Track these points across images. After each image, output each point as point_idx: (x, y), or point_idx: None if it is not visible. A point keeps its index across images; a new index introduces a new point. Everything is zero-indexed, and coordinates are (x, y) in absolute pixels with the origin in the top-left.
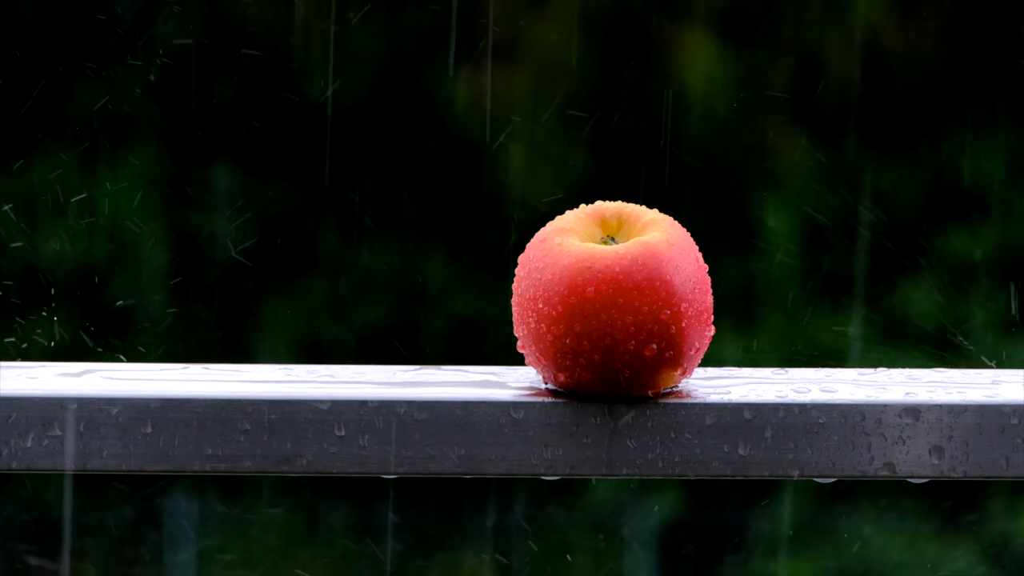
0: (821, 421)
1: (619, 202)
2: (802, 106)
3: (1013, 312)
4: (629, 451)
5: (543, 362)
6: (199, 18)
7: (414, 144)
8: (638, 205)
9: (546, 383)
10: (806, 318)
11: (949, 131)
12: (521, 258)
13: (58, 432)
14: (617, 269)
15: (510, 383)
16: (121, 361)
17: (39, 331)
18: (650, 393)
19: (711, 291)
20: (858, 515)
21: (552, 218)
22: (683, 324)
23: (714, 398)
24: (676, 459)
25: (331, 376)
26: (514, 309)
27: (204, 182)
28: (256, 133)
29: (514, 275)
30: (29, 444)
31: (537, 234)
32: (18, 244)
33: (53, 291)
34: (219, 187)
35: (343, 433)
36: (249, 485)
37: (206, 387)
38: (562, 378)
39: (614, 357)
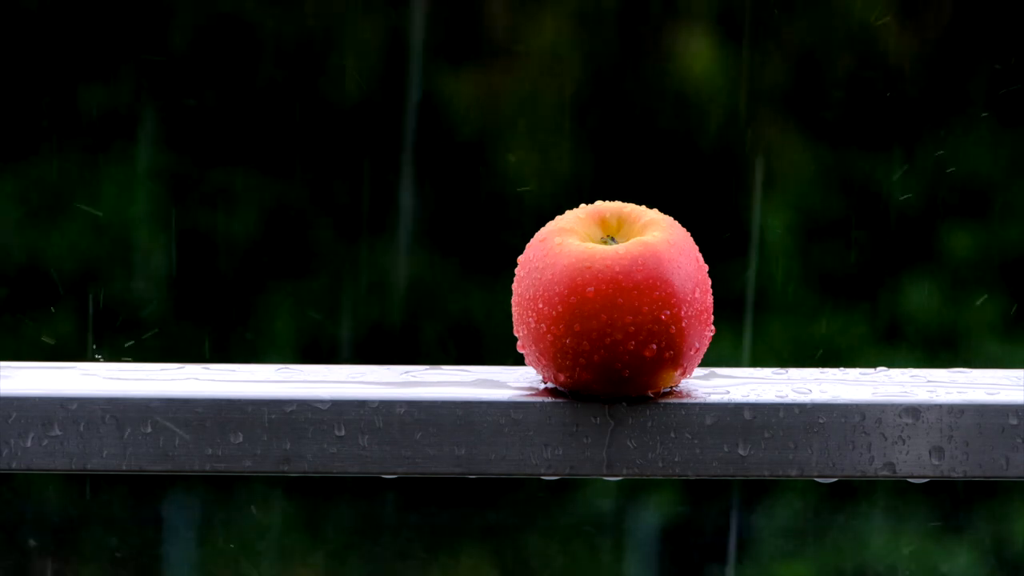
0: (821, 421)
1: (619, 202)
2: (801, 106)
3: (1013, 312)
4: (629, 451)
5: (543, 362)
6: (201, 17)
7: (414, 143)
8: (638, 205)
9: (546, 383)
10: (805, 318)
11: (949, 130)
12: (521, 258)
13: (58, 432)
14: (617, 269)
15: (510, 383)
16: (121, 361)
17: (40, 331)
18: (650, 393)
19: (711, 291)
20: (858, 515)
21: (552, 218)
22: (683, 324)
23: (714, 398)
24: (676, 459)
25: (331, 376)
26: (514, 309)
27: (204, 181)
28: (256, 132)
29: (514, 275)
30: (29, 444)
31: (537, 234)
32: (19, 243)
33: (54, 291)
34: (219, 186)
35: (343, 433)
36: (249, 485)
37: (206, 387)
38: (562, 378)
39: (614, 357)
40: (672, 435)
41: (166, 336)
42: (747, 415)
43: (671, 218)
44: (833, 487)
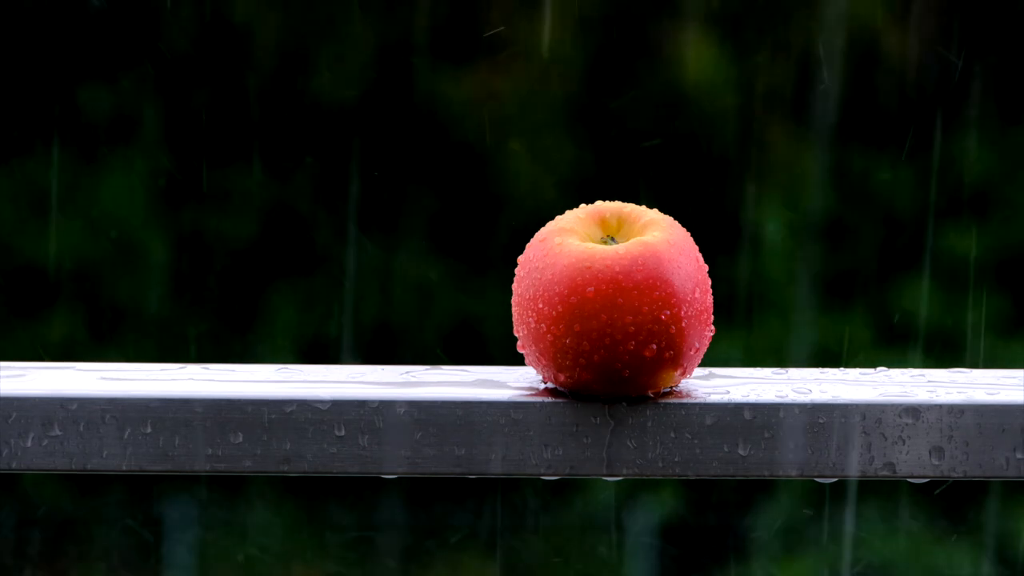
0: (821, 421)
1: (619, 202)
2: (801, 106)
3: (1013, 312)
4: (629, 451)
5: (543, 362)
6: (200, 18)
7: (414, 143)
8: (638, 205)
9: (546, 383)
10: (805, 318)
11: (948, 131)
12: (521, 258)
13: (58, 432)
14: (617, 269)
15: (510, 383)
16: (121, 361)
17: (40, 331)
18: (650, 393)
19: (711, 291)
20: (858, 515)
21: (552, 218)
22: (683, 324)
23: (714, 398)
24: (676, 459)
25: (331, 376)
26: (514, 309)
27: (204, 181)
28: (256, 132)
29: (514, 275)
30: (29, 444)
31: (537, 234)
32: (19, 243)
33: (54, 291)
34: (219, 186)
35: (343, 433)
36: (249, 485)
37: (206, 387)
38: (562, 378)
39: (614, 357)
40: (672, 435)
41: (166, 336)
42: (747, 415)
43: (671, 218)
44: (833, 487)
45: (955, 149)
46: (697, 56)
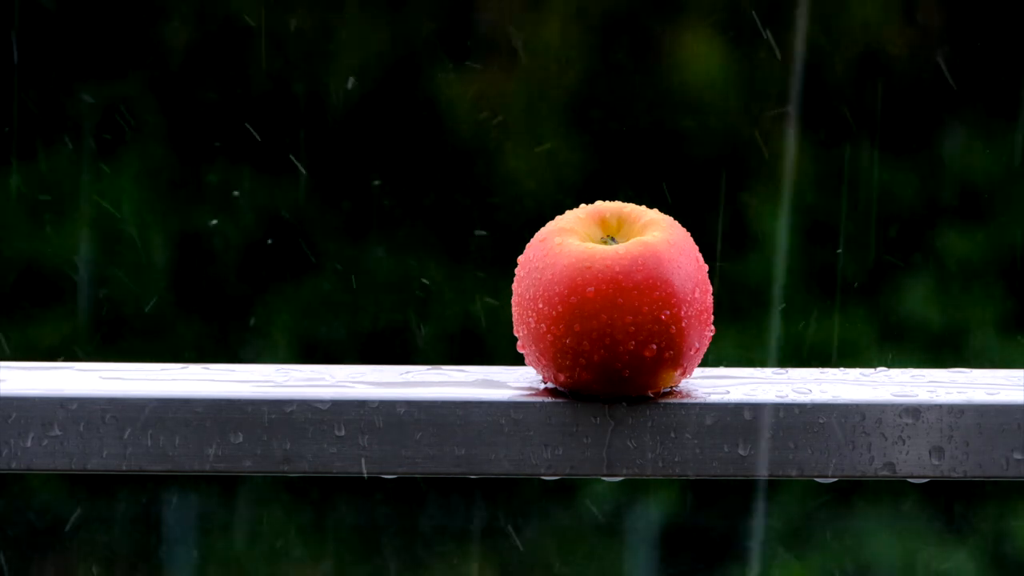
0: (821, 421)
1: (619, 202)
2: (802, 106)
3: (1013, 312)
4: (629, 451)
5: (543, 362)
6: (202, 17)
7: (414, 143)
8: (638, 205)
9: (546, 383)
10: (806, 318)
11: (949, 131)
12: (521, 258)
13: (58, 432)
14: (617, 269)
15: (510, 383)
16: (121, 361)
17: (39, 331)
18: (650, 393)
19: (711, 291)
20: (858, 515)
21: (552, 218)
22: (683, 324)
23: (714, 398)
24: (676, 459)
25: (331, 376)
26: (514, 309)
27: (204, 181)
28: (256, 132)
29: (514, 275)
30: (29, 444)
31: (537, 234)
32: (18, 243)
33: (53, 291)
34: (219, 186)
35: (343, 433)
36: (248, 485)
37: (206, 387)
38: (562, 378)
39: (614, 357)
40: (672, 435)
41: (166, 336)
42: (747, 415)
43: (671, 218)
44: (833, 487)
45: (956, 148)
46: (698, 55)
